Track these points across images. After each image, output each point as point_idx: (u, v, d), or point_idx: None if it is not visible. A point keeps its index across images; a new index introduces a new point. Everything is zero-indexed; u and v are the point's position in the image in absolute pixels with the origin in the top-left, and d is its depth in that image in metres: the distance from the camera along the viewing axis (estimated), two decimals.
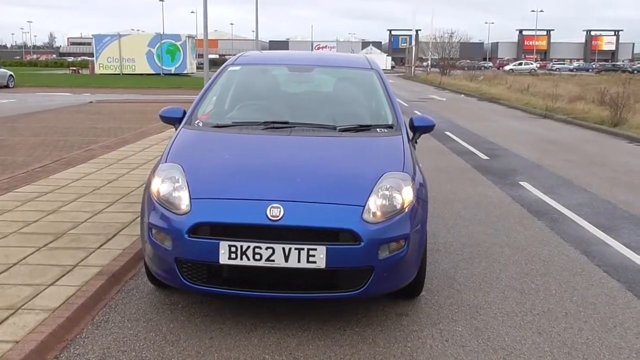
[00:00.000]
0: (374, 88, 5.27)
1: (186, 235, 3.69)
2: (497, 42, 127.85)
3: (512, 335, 3.96)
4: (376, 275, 3.75)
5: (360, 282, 3.75)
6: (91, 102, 22.98)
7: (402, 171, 4.13)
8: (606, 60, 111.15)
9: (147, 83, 36.99)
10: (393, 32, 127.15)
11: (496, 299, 4.57)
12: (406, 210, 3.90)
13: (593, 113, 18.84)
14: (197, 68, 53.19)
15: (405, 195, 3.93)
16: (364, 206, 3.77)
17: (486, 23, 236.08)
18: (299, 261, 3.61)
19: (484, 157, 11.55)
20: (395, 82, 46.84)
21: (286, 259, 3.61)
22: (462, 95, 32.70)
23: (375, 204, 3.80)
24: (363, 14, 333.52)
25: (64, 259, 4.95)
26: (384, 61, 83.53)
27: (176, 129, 5.33)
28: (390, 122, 4.84)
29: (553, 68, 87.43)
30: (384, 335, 3.91)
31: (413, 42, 69.75)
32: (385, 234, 3.75)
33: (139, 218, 4.42)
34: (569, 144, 13.76)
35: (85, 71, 55.77)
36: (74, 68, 59.55)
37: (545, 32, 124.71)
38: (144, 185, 4.44)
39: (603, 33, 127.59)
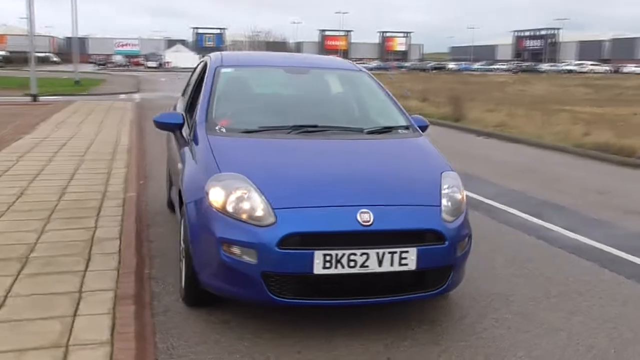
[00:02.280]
0: (372, 89, 5.33)
1: (276, 248, 3.52)
2: (302, 42, 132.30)
3: (555, 317, 4.32)
4: (455, 272, 3.89)
5: (443, 279, 3.87)
6: None
7: (451, 170, 4.31)
8: (398, 60, 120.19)
9: None
10: (198, 31, 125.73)
11: (509, 285, 4.91)
12: (463, 209, 4.08)
13: (430, 110, 20.44)
14: None
15: (463, 194, 4.12)
16: (440, 206, 3.88)
17: (293, 23, 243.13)
18: (391, 264, 3.63)
19: None
20: None
21: (380, 263, 3.61)
22: None
23: (446, 204, 3.94)
24: (164, 11, 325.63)
25: (59, 286, 4.39)
26: (192, 60, 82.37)
27: (175, 136, 5.01)
28: (405, 123, 4.97)
29: None
30: (453, 330, 4.06)
31: (226, 41, 69.75)
32: (460, 232, 3.92)
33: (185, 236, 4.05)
34: (433, 138, 14.72)
35: None
36: None
37: (344, 33, 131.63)
38: (185, 201, 4.12)
39: (395, 35, 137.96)
